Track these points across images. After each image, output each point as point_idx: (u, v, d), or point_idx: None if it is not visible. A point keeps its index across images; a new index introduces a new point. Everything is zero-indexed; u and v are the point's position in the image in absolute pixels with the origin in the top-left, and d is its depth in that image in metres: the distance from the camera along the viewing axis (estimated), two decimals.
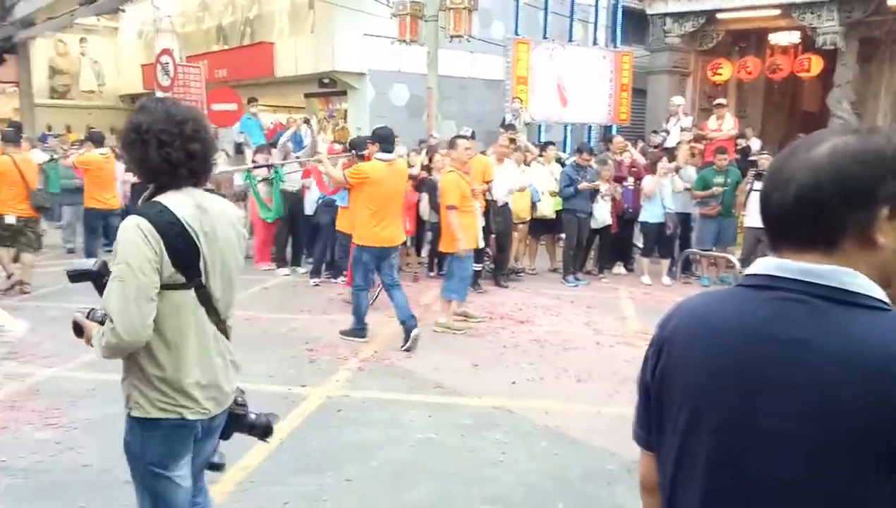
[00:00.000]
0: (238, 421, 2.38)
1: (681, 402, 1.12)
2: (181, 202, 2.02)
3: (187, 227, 1.98)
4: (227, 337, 2.25)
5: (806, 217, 1.03)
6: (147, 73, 17.59)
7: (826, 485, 0.96)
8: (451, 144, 6.83)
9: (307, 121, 10.34)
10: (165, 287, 1.98)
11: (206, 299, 2.08)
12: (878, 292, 1.00)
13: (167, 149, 1.97)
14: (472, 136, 8.02)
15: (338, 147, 8.91)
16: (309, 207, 8.93)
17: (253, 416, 2.42)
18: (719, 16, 13.01)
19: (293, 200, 8.96)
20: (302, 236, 9.27)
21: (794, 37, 12.95)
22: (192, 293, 2.04)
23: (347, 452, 4.08)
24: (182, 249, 1.98)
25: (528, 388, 5.16)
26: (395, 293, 6.01)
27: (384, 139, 6.06)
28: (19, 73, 22.43)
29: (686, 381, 1.11)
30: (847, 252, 1.02)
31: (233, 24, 17.11)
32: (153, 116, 2.00)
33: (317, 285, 8.47)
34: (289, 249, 9.37)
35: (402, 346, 5.92)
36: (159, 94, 11.25)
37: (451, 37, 11.66)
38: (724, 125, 11.36)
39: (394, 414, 4.60)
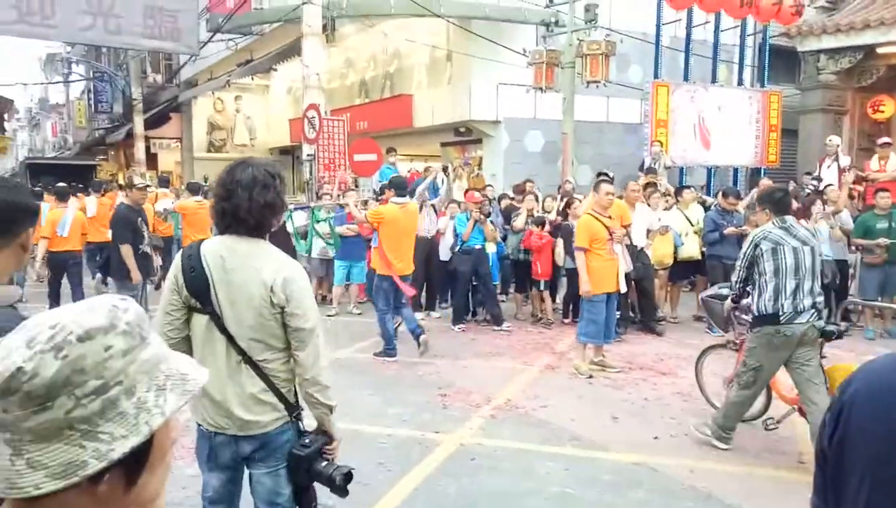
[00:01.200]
0: (299, 462, 2.37)
1: (862, 474, 1.03)
2: (213, 244, 2.40)
3: (204, 264, 2.34)
4: (262, 375, 2.37)
5: None
6: (294, 127, 18.94)
7: None
8: (595, 187, 6.86)
9: (445, 170, 10.62)
10: (190, 308, 2.37)
11: (220, 326, 2.34)
12: None
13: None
14: (611, 180, 7.89)
15: (478, 195, 9.13)
16: (444, 253, 9.10)
17: (323, 465, 2.37)
18: (879, 50, 12.10)
19: (428, 246, 9.17)
20: (437, 281, 9.44)
21: None
22: (206, 317, 2.35)
23: (483, 501, 4.01)
24: (193, 279, 2.34)
25: (671, 444, 4.87)
26: (404, 310, 7.20)
27: (398, 186, 7.22)
28: (182, 129, 24.92)
29: (869, 451, 1.03)
30: None
31: (374, 78, 18.08)
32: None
33: (462, 330, 8.54)
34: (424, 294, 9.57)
35: (419, 352, 7.04)
36: (306, 147, 12.05)
37: (588, 82, 11.63)
38: (888, 165, 10.42)
39: (528, 465, 4.49)
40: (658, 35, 12.52)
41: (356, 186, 10.97)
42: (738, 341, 5.16)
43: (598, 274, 6.44)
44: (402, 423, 5.25)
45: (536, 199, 9.30)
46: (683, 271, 9.02)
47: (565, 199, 9.09)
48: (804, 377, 4.43)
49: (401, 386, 6.18)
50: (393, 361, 6.98)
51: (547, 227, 8.64)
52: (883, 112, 12.88)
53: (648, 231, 8.33)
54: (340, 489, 2.31)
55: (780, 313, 4.39)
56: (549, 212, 8.87)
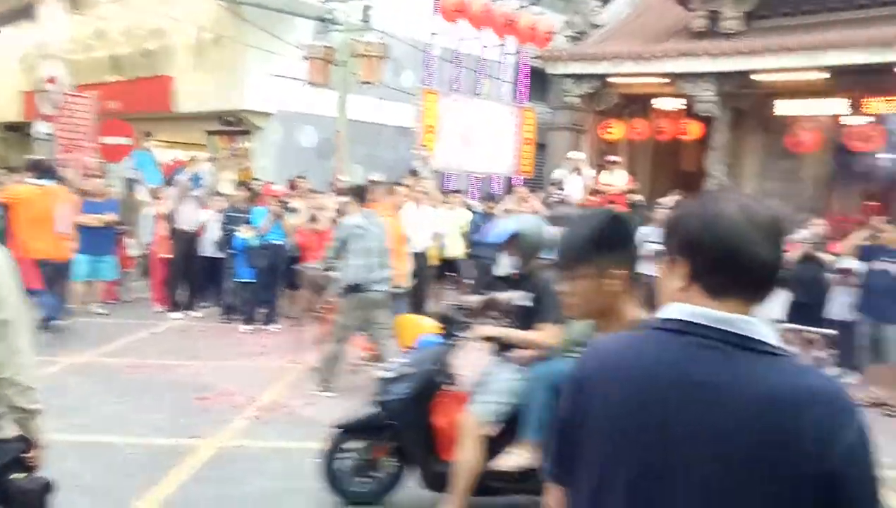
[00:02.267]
0: None
1: (599, 444, 1.14)
2: None
3: None
4: None
5: (765, 275, 1.12)
6: (28, 100, 16.60)
7: None
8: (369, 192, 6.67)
9: (211, 160, 10.04)
10: None
11: None
12: (773, 338, 1.09)
13: None
14: (381, 182, 8.08)
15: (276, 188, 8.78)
16: (208, 248, 8.62)
17: (22, 476, 2.08)
18: (611, 80, 13.82)
19: (189, 240, 8.62)
20: (197, 278, 8.90)
21: (676, 102, 13.94)
22: None
23: (242, 505, 3.88)
24: None
25: None
26: (43, 296, 6.76)
27: (37, 168, 6.98)
28: None
29: (605, 424, 1.14)
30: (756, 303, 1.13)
31: (130, 54, 16.52)
32: None
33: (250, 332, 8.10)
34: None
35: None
36: (42, 125, 10.68)
37: (362, 82, 11.77)
38: (616, 180, 11.99)
39: (293, 464, 4.42)
40: (429, 44, 13.08)
41: (103, 173, 9.91)
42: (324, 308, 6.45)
43: None
44: (156, 431, 4.89)
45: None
46: (447, 269, 9.52)
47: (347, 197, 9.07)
48: (379, 331, 5.66)
49: (153, 391, 5.74)
50: (145, 365, 6.46)
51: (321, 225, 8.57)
52: (612, 134, 14.76)
53: (435, 234, 8.64)
54: (32, 503, 2.03)
55: (364, 282, 5.52)
56: (325, 210, 8.82)
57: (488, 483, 3.44)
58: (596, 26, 14.94)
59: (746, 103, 13.20)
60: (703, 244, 1.12)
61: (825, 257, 7.15)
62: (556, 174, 12.33)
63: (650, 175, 15.73)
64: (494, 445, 3.45)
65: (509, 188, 13.44)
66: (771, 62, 11.50)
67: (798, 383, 1.04)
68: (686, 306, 1.12)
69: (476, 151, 13.83)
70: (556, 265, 1.82)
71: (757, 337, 1.08)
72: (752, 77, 12.12)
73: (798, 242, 7.50)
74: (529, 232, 3.50)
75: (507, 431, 3.47)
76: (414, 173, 10.27)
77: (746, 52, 11.70)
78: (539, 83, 15.94)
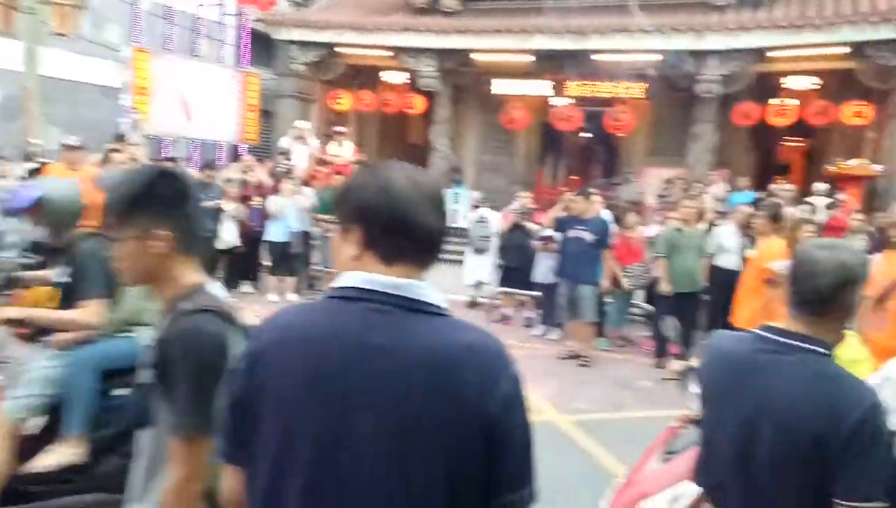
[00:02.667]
0: None
1: (279, 417, 1.13)
2: None
3: None
4: None
5: (433, 241, 1.17)
6: None
7: (408, 483, 1.07)
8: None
9: None
10: None
11: None
12: (440, 300, 1.15)
13: None
14: (81, 147, 7.06)
15: None
16: None
17: None
18: (338, 49, 13.74)
19: None
20: None
21: (402, 76, 14.35)
22: None
23: None
24: None
25: None
26: None
27: None
28: None
29: (286, 394, 1.13)
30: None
31: None
32: None
33: None
34: None
35: None
36: None
37: (56, 34, 10.18)
38: (343, 151, 12.01)
39: None
40: None
41: None
42: None
43: None
44: None
45: None
46: None
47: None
48: None
49: None
50: None
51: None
52: (341, 104, 14.75)
53: None
54: None
55: None
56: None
57: (24, 487, 2.87)
58: None
59: (466, 80, 14.03)
60: (375, 212, 1.14)
61: (531, 226, 7.89)
62: (283, 143, 11.98)
63: (377, 147, 16.08)
64: (34, 444, 2.92)
65: (235, 156, 12.74)
66: (486, 42, 12.32)
67: (459, 339, 1.11)
68: (360, 273, 1.14)
69: (195, 117, 12.84)
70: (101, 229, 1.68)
71: (425, 300, 1.13)
72: (472, 56, 12.89)
73: (509, 212, 8.17)
74: (57, 197, 3.03)
75: (49, 427, 2.96)
76: (121, 138, 9.19)
77: (464, 31, 12.37)
78: (264, 48, 15.28)
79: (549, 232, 7.32)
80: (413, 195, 1.14)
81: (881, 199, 10.49)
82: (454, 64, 13.03)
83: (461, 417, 1.07)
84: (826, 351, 1.55)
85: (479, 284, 8.66)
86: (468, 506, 1.09)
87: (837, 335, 1.60)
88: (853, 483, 1.44)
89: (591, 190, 7.37)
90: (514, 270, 7.87)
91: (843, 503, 1.45)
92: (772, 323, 1.64)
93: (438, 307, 1.14)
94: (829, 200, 9.39)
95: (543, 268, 7.42)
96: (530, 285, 7.78)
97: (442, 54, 12.77)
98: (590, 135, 14.68)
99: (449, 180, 14.00)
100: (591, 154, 15.40)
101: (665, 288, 6.46)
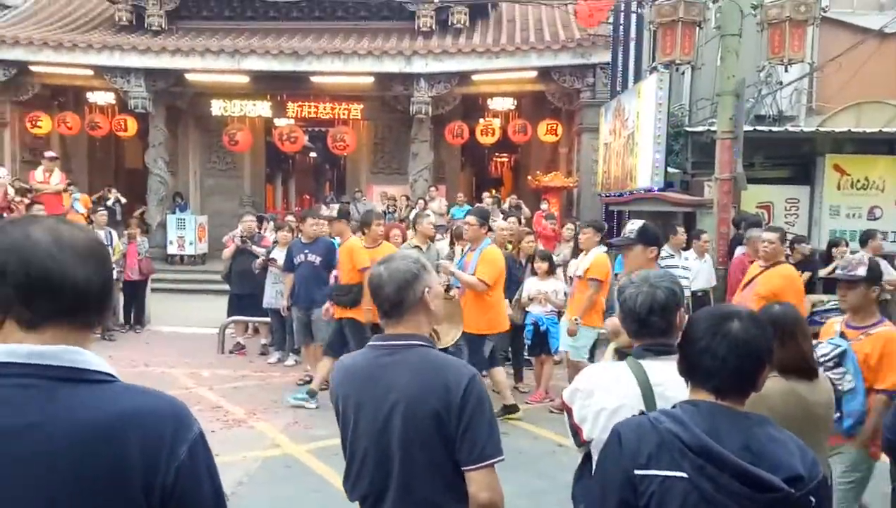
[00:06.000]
0: None
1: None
2: None
3: None
4: None
5: (85, 298, 1.04)
6: None
7: None
8: None
9: None
10: None
11: None
12: (102, 365, 1.04)
13: None
14: None
15: None
16: None
17: None
18: (32, 68, 12.26)
19: None
20: None
21: (110, 97, 13.21)
22: None
23: None
24: None
25: None
26: None
27: None
28: None
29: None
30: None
31: None
32: None
33: None
34: None
35: None
36: None
37: None
38: (52, 178, 10.71)
39: None
40: None
41: None
42: None
43: None
44: None
45: None
46: None
47: None
48: None
49: None
50: None
51: None
52: (41, 127, 13.13)
53: None
54: None
55: None
56: None
57: None
58: (6, 7, 13.00)
59: (182, 101, 13.34)
60: (8, 272, 1.00)
61: (256, 249, 7.67)
62: None
63: (87, 171, 14.65)
64: None
65: None
66: (197, 62, 11.83)
67: (123, 407, 1.01)
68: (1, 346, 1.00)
69: None
70: None
71: (82, 366, 1.02)
72: (186, 76, 12.29)
73: (229, 238, 7.89)
74: None
75: None
76: None
77: (174, 51, 11.77)
78: None
79: (276, 254, 7.18)
80: (55, 250, 1.01)
81: (576, 208, 12.11)
82: (166, 84, 12.33)
83: (125, 492, 0.98)
84: (426, 344, 1.76)
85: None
86: None
87: (428, 328, 1.81)
88: (471, 448, 1.64)
89: (320, 210, 7.38)
90: (244, 296, 7.62)
91: (468, 468, 1.64)
92: (380, 335, 1.82)
93: (101, 373, 1.03)
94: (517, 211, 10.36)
95: (272, 293, 7.29)
96: (260, 311, 7.57)
97: (151, 74, 12.01)
98: (315, 155, 14.88)
99: (171, 205, 13.21)
100: (318, 173, 15.61)
101: None
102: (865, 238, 6.39)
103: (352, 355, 1.90)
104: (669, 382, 1.67)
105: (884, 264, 6.19)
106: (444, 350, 5.54)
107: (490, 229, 5.83)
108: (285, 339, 7.38)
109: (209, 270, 11.73)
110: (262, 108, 13.39)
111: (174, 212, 13.03)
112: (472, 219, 5.59)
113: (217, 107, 13.33)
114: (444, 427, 1.64)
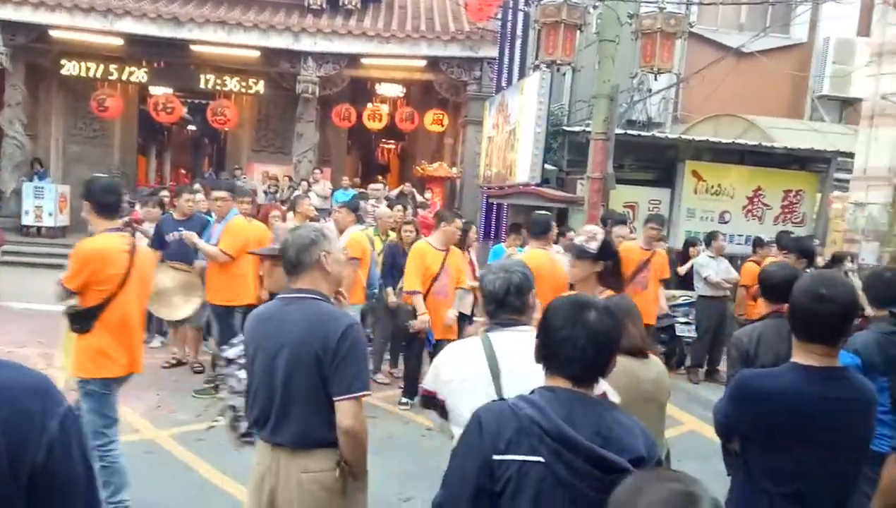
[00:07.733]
0: None
1: None
2: None
3: None
4: None
5: None
6: None
7: None
8: None
9: None
10: None
11: None
12: None
13: None
14: None
15: None
16: None
17: None
18: None
19: None
20: None
21: None
22: None
23: None
24: None
25: None
26: None
27: None
28: None
29: None
30: None
31: None
32: None
33: None
34: None
35: None
36: None
37: None
38: None
39: None
40: None
41: None
42: None
43: None
44: None
45: None
46: None
47: None
48: None
49: None
50: None
51: None
52: None
53: None
54: None
55: None
56: None
57: None
58: None
59: (45, 60, 12.31)
60: None
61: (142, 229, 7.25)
62: None
63: None
64: None
65: None
66: (64, 19, 10.96)
67: None
68: None
69: None
70: None
71: None
72: (51, 32, 11.35)
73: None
74: None
75: None
76: None
77: (37, 3, 10.83)
78: None
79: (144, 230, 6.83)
80: None
81: (458, 199, 12.32)
82: (26, 39, 11.33)
83: None
84: (320, 298, 2.13)
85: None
86: None
87: (326, 286, 2.17)
88: (340, 383, 2.02)
89: (196, 186, 7.12)
90: None
91: (336, 398, 2.03)
92: (285, 289, 2.20)
93: None
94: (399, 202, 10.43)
95: None
96: None
97: (10, 27, 10.99)
98: (194, 128, 14.20)
99: (28, 172, 12.20)
100: (197, 148, 14.92)
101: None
102: (709, 238, 7.01)
103: (263, 305, 2.26)
104: (510, 347, 1.89)
105: (724, 263, 6.90)
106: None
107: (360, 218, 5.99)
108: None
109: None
110: (138, 75, 12.61)
111: (31, 180, 12.04)
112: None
113: (85, 69, 12.41)
114: (321, 365, 2.02)
